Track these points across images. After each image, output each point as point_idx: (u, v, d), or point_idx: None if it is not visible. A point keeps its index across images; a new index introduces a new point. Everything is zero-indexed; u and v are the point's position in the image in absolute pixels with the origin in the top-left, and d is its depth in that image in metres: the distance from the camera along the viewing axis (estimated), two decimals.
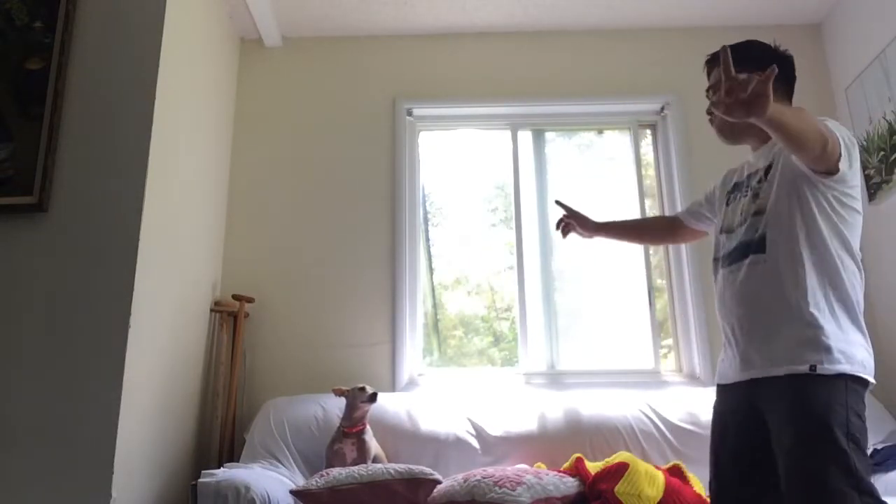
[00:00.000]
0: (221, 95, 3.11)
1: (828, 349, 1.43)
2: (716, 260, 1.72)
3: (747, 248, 1.59)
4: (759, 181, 1.62)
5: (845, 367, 1.42)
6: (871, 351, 1.51)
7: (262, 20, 3.18)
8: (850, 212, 1.54)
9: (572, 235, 2.14)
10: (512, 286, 3.18)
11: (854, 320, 1.50)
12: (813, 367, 1.42)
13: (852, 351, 1.45)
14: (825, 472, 1.35)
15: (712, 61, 1.73)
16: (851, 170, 1.50)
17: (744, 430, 1.58)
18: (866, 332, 1.53)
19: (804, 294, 1.48)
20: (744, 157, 1.80)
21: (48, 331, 2.09)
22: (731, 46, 1.52)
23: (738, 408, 1.60)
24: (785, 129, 1.35)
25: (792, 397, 1.44)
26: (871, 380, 1.48)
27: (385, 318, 3.03)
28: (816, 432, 1.39)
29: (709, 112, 1.68)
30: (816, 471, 1.37)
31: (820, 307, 1.47)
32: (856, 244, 1.55)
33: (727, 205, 1.75)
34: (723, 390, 1.69)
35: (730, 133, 1.70)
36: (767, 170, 1.61)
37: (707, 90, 1.74)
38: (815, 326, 1.45)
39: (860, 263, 1.56)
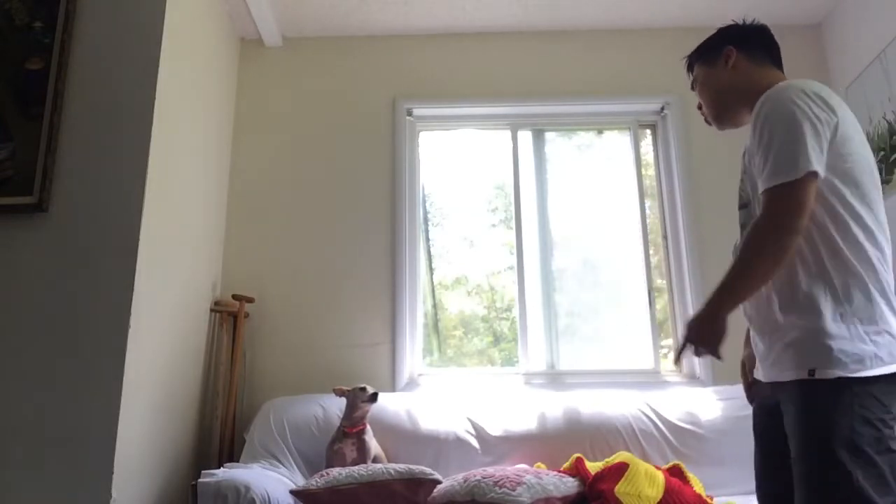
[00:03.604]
0: (221, 95, 3.11)
1: (827, 350, 1.31)
2: None
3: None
4: (744, 170, 1.54)
5: (846, 371, 1.29)
6: None
7: (262, 20, 3.18)
8: (847, 181, 1.37)
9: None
10: (512, 286, 3.18)
11: (865, 306, 1.33)
12: (812, 372, 1.32)
13: (859, 348, 1.30)
14: (824, 489, 1.28)
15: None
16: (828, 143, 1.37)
17: (772, 428, 1.50)
18: (887, 311, 1.35)
19: (797, 290, 1.37)
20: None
21: (48, 331, 2.09)
22: (693, 52, 1.68)
23: (768, 402, 1.53)
24: (751, 286, 1.38)
25: (797, 404, 1.36)
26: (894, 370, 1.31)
27: (385, 318, 3.03)
28: (815, 447, 1.30)
29: (699, 107, 1.71)
30: (816, 486, 1.30)
31: (817, 303, 1.34)
32: (867, 212, 1.38)
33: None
34: (757, 382, 1.59)
35: (718, 122, 1.67)
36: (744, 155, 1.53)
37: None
38: (812, 326, 1.34)
39: (876, 232, 1.38)
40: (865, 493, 1.25)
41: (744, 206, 1.55)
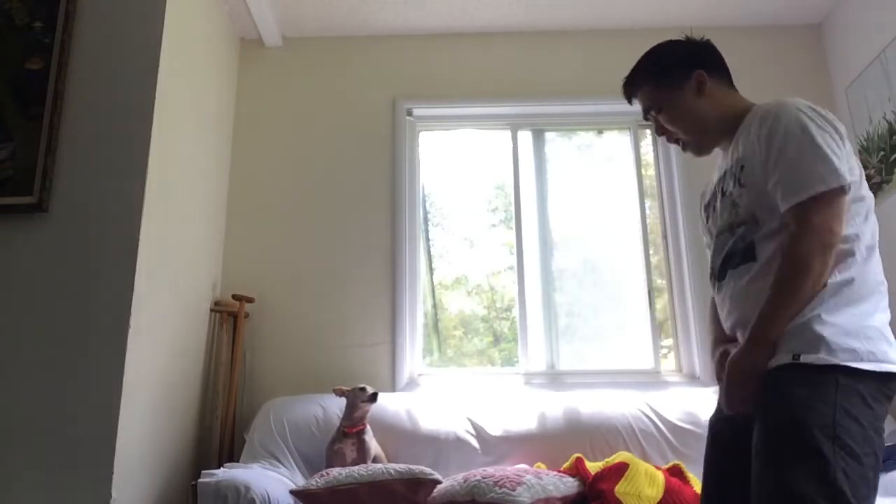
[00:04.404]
0: (221, 95, 3.11)
1: (817, 336, 1.23)
2: (711, 277, 1.54)
3: (734, 258, 1.43)
4: (735, 184, 1.44)
5: (834, 357, 1.21)
6: (891, 338, 1.27)
7: (262, 20, 3.18)
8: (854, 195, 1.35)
9: None
10: (512, 286, 3.18)
11: (858, 304, 1.27)
12: (797, 356, 1.23)
13: (853, 339, 1.23)
14: (791, 475, 1.15)
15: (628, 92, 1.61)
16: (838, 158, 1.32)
17: (731, 436, 1.40)
18: (885, 311, 1.29)
19: None
20: None
21: (48, 331, 2.08)
22: (640, 73, 1.56)
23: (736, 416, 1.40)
24: (789, 309, 1.27)
25: (771, 391, 1.25)
26: (887, 369, 1.23)
27: (385, 318, 3.02)
28: (786, 428, 1.19)
29: (660, 132, 1.60)
30: (781, 472, 1.17)
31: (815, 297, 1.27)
32: (856, 216, 1.34)
33: (708, 220, 1.60)
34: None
35: (700, 151, 1.60)
36: (739, 171, 1.43)
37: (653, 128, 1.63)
38: (805, 315, 1.26)
39: (863, 238, 1.33)
40: (844, 495, 1.13)
41: (729, 228, 1.44)
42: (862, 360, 1.22)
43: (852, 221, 1.33)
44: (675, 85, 1.52)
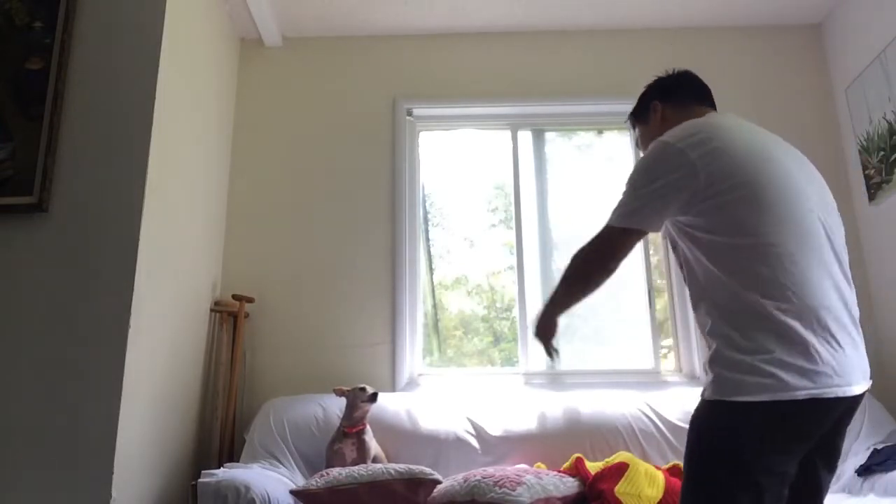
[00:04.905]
0: (221, 95, 3.11)
1: (714, 377, 1.33)
2: None
3: None
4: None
5: (717, 395, 1.30)
6: (784, 361, 1.24)
7: (262, 20, 3.18)
8: (703, 212, 1.37)
9: None
10: (512, 286, 3.18)
11: (748, 330, 1.28)
12: (703, 393, 1.38)
13: (733, 375, 1.28)
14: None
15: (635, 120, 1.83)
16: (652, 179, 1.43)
17: None
18: (780, 334, 1.26)
19: (703, 326, 1.40)
20: None
21: (48, 331, 2.08)
22: (631, 114, 1.81)
23: None
24: (576, 294, 1.63)
25: None
26: (761, 398, 1.23)
27: (385, 318, 3.03)
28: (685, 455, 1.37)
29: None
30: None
31: (715, 334, 1.34)
32: (735, 232, 1.33)
33: None
34: None
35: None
36: None
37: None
38: (712, 352, 1.36)
39: (754, 249, 1.31)
40: None
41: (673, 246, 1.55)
42: (737, 392, 1.31)
43: (728, 229, 1.35)
44: (644, 119, 1.74)
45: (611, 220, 1.49)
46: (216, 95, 3.03)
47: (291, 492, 2.10)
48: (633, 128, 1.83)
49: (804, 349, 1.25)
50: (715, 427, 1.31)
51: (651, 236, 3.21)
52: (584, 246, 1.53)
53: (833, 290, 1.32)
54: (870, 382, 1.35)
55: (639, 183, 1.45)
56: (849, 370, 1.28)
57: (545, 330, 1.68)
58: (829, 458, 1.37)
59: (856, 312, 1.37)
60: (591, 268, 1.54)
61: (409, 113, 3.34)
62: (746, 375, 1.25)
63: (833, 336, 1.28)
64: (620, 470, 2.22)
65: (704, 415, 1.34)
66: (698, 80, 1.71)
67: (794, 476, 1.29)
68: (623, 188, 1.49)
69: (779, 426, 1.24)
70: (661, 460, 2.50)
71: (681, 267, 1.50)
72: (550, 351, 1.70)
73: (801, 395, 1.22)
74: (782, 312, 1.26)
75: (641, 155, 1.60)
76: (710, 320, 1.36)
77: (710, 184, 1.34)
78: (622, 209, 1.47)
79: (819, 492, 1.37)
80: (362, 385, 2.52)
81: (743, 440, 1.26)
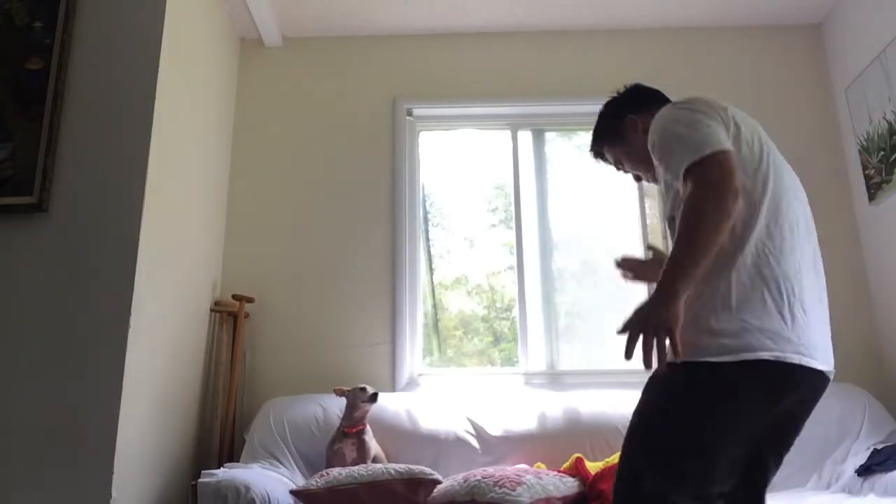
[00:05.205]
0: (221, 95, 3.11)
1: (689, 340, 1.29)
2: None
3: None
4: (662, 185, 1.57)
5: (687, 357, 1.27)
6: (747, 325, 1.26)
7: (262, 20, 3.18)
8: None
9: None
10: (512, 286, 3.18)
11: (721, 294, 1.29)
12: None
13: (700, 338, 1.28)
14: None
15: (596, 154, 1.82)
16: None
17: None
18: (742, 305, 1.28)
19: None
20: None
21: (48, 331, 2.08)
22: (597, 142, 1.79)
23: None
24: (703, 252, 1.25)
25: None
26: (729, 359, 1.24)
27: (385, 318, 3.03)
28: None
29: (638, 179, 1.77)
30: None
31: (699, 302, 1.32)
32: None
33: None
34: None
35: (655, 181, 1.67)
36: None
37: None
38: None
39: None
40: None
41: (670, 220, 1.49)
42: (700, 352, 1.31)
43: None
44: (620, 138, 1.72)
45: (689, 159, 1.30)
46: (216, 95, 3.03)
47: (291, 492, 2.10)
48: (601, 157, 1.80)
49: (776, 313, 1.28)
50: (684, 387, 1.30)
51: (651, 236, 3.21)
52: (689, 199, 1.28)
53: (812, 270, 1.38)
54: (833, 371, 1.37)
55: (688, 120, 1.38)
56: (814, 344, 1.31)
57: (673, 318, 1.24)
58: (779, 448, 1.41)
59: (825, 298, 1.41)
60: (715, 202, 1.26)
61: (409, 113, 3.34)
62: (719, 338, 1.27)
63: (803, 308, 1.31)
64: None
65: (671, 375, 1.29)
66: (652, 88, 1.75)
67: (744, 463, 1.32)
68: (662, 150, 1.40)
69: (749, 384, 1.27)
70: None
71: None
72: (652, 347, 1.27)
73: (765, 355, 1.25)
74: (761, 279, 1.30)
75: (628, 174, 1.64)
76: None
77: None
78: (692, 143, 1.32)
79: (765, 484, 1.41)
80: (362, 385, 2.52)
81: (712, 401, 1.27)
